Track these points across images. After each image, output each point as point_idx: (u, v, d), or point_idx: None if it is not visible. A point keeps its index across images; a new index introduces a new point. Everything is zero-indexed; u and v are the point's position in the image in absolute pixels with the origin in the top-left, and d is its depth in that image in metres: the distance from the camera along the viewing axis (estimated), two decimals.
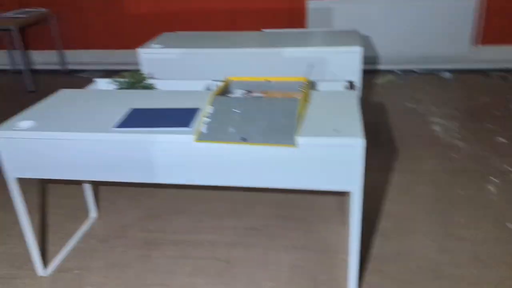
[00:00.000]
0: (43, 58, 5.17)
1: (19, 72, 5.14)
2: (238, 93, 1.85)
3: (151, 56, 2.74)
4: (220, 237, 2.21)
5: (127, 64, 5.01)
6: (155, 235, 2.24)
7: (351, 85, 2.16)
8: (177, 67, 2.73)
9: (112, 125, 1.67)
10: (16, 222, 2.37)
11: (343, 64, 2.46)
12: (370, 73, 4.53)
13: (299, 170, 1.54)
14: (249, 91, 1.86)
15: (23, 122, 1.73)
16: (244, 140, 1.51)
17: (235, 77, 1.95)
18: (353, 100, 1.79)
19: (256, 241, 2.16)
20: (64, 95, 2.03)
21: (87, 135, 1.63)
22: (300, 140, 1.49)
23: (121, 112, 1.78)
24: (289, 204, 2.44)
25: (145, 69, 2.78)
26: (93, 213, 2.41)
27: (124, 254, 2.11)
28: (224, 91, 1.84)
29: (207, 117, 1.61)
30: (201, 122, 1.60)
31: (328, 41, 2.64)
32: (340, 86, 2.02)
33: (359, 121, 1.59)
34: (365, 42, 4.44)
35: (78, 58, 5.10)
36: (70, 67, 5.12)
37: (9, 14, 4.55)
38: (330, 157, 1.50)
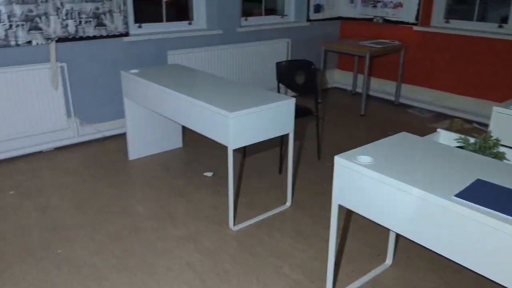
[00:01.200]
0: (379, 86, 5.46)
1: (355, 94, 5.62)
2: None
3: (505, 118, 2.39)
4: None
5: (462, 112, 4.68)
6: None
7: None
8: None
9: (451, 191, 1.50)
10: (325, 238, 2.55)
11: None
12: None
13: None
14: None
15: (363, 157, 1.79)
16: None
17: None
18: None
19: None
20: (404, 138, 1.99)
21: (425, 194, 1.51)
22: None
23: (463, 178, 1.58)
24: None
25: (494, 128, 2.45)
26: (388, 259, 2.33)
27: None
28: None
29: None
30: None
31: None
32: None
33: None
34: None
35: (412, 93, 5.12)
36: (401, 100, 5.19)
37: (366, 42, 4.98)
38: None
